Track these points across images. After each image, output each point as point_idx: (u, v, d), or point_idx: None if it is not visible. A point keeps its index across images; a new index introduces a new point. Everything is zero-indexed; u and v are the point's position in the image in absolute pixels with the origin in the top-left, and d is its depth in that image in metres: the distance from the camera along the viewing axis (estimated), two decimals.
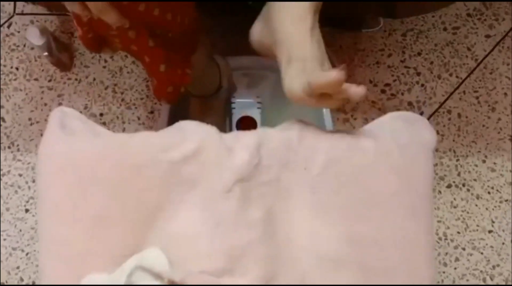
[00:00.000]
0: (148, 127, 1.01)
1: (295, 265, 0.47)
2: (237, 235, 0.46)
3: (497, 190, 1.00)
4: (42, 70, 1.03)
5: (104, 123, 1.00)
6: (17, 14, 1.05)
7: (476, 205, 0.99)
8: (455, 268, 0.97)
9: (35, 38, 0.89)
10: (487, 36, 1.06)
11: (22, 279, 0.95)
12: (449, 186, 1.00)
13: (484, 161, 1.01)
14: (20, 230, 0.97)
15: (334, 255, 0.47)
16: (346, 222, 0.48)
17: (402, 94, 1.03)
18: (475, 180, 1.00)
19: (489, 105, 1.03)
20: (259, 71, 0.94)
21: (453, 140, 1.02)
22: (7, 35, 1.04)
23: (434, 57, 1.05)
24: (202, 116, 0.86)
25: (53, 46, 0.93)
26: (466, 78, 1.04)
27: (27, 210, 0.98)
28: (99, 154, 0.47)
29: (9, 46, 1.04)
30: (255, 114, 0.92)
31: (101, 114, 1.01)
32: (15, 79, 1.02)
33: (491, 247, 0.98)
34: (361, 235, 0.47)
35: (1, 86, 1.02)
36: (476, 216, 0.99)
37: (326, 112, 0.90)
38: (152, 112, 1.01)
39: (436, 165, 1.00)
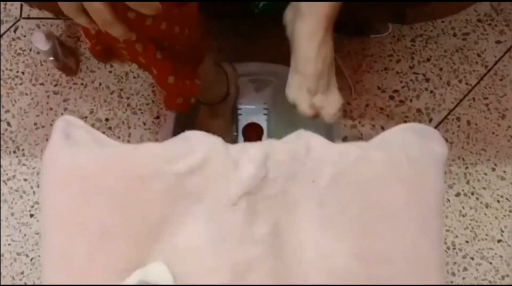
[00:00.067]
0: (154, 133, 1.00)
1: (303, 281, 0.46)
2: (243, 250, 0.46)
3: (507, 199, 0.98)
4: (48, 74, 1.02)
5: (109, 128, 1.00)
6: (24, 18, 1.04)
7: (485, 214, 0.98)
8: (463, 278, 0.95)
9: (41, 43, 0.88)
10: (498, 42, 1.04)
11: (26, 285, 0.95)
12: (457, 194, 0.98)
13: (493, 169, 1.00)
14: (25, 235, 0.96)
15: (343, 272, 0.46)
16: (355, 236, 0.47)
17: (411, 100, 1.02)
18: (484, 188, 0.99)
19: (499, 113, 1.02)
20: (266, 77, 0.93)
21: (462, 148, 1.00)
22: (13, 39, 1.04)
23: (444, 64, 1.03)
24: (209, 123, 0.86)
25: (59, 51, 0.92)
26: (476, 85, 1.03)
27: (31, 215, 0.97)
28: (103, 165, 0.47)
29: (15, 50, 1.03)
30: (262, 120, 0.92)
31: (107, 119, 1.00)
32: (20, 84, 1.02)
33: (500, 256, 0.96)
34: (370, 251, 0.46)
35: (7, 91, 1.02)
36: (485, 225, 0.97)
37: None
38: (158, 117, 1.01)
39: (445, 173, 0.98)
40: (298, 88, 0.63)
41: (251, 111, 0.92)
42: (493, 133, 1.01)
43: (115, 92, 1.02)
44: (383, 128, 1.00)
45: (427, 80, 1.03)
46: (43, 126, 1.00)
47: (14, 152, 0.99)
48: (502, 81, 1.03)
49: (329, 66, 0.63)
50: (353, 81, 1.02)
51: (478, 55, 1.04)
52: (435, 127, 1.01)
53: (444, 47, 1.04)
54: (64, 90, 1.02)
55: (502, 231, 0.97)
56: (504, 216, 0.97)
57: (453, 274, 0.95)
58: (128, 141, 0.99)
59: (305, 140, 0.50)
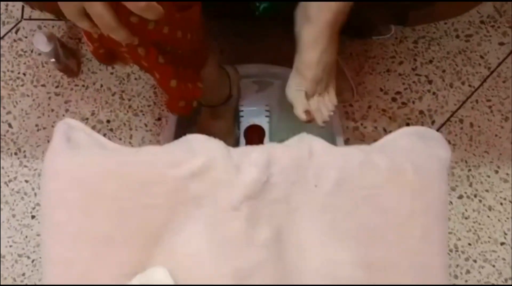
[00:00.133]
0: (155, 135, 1.00)
1: None
2: (244, 256, 0.45)
3: (510, 201, 0.98)
4: (49, 76, 1.02)
5: (111, 130, 1.00)
6: (25, 19, 1.04)
7: (488, 216, 0.97)
8: (466, 281, 0.95)
9: (42, 44, 0.88)
10: (501, 43, 1.04)
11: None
12: (460, 197, 0.98)
13: (496, 172, 0.99)
14: (26, 237, 0.96)
15: (347, 279, 0.45)
16: (359, 243, 0.46)
17: (413, 102, 1.01)
18: (487, 190, 0.98)
19: (502, 115, 1.01)
20: (268, 79, 0.93)
21: (465, 150, 1.00)
22: (14, 41, 1.03)
23: (446, 65, 1.03)
24: (211, 124, 0.85)
25: (60, 52, 0.92)
26: (479, 87, 1.02)
27: (33, 217, 0.97)
28: (104, 170, 0.46)
29: (17, 52, 1.03)
30: (263, 122, 0.91)
31: (108, 121, 1.00)
32: (22, 85, 1.02)
33: (503, 259, 0.95)
34: (375, 259, 0.46)
35: (8, 92, 1.01)
36: (488, 227, 0.97)
37: (335, 120, 0.88)
38: (159, 119, 1.00)
39: (447, 175, 0.98)
40: (296, 89, 0.66)
41: (252, 113, 0.91)
42: (496, 135, 1.00)
43: (117, 93, 1.01)
44: (385, 130, 1.00)
45: (430, 82, 1.02)
46: (44, 128, 1.00)
47: (16, 154, 0.99)
48: (505, 83, 1.02)
49: (329, 71, 0.66)
50: (355, 83, 1.01)
51: (481, 57, 1.03)
52: (438, 129, 1.01)
53: (446, 48, 1.03)
54: (65, 92, 1.01)
55: (505, 234, 0.96)
56: (507, 218, 0.97)
57: (456, 276, 0.95)
58: (130, 143, 0.99)
59: (308, 144, 0.49)
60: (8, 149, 0.99)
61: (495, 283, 0.95)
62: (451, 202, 0.98)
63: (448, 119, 1.01)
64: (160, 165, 0.47)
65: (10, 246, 0.96)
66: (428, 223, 0.47)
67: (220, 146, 0.49)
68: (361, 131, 1.00)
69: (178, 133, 0.86)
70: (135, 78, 1.02)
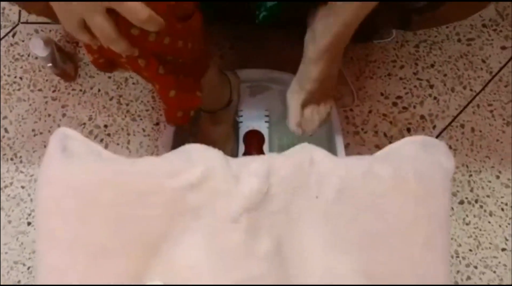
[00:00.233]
0: (153, 140, 0.99)
1: None
2: (244, 268, 0.44)
3: (511, 207, 0.97)
4: (46, 80, 1.01)
5: (108, 135, 0.99)
6: (22, 23, 1.03)
7: (489, 222, 0.96)
8: None
9: (39, 49, 0.87)
10: (503, 47, 1.03)
11: None
12: (461, 202, 0.97)
13: (498, 177, 0.98)
14: (22, 244, 0.95)
15: None
16: (361, 253, 0.45)
17: (414, 107, 1.00)
18: (488, 196, 0.97)
19: (503, 119, 1.00)
20: (268, 83, 0.92)
21: (466, 155, 0.99)
22: (11, 45, 1.02)
23: (448, 70, 1.02)
24: (210, 130, 0.84)
25: (57, 57, 0.91)
26: (480, 91, 1.02)
27: (29, 223, 0.96)
28: (101, 181, 0.45)
29: (13, 56, 1.02)
30: (263, 128, 0.90)
31: (106, 126, 0.99)
32: (18, 90, 1.01)
33: (504, 265, 0.95)
34: (377, 268, 0.45)
35: (5, 97, 1.00)
36: (489, 233, 0.96)
37: (336, 125, 0.87)
38: (157, 124, 0.99)
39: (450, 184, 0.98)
40: (295, 97, 0.70)
41: (252, 118, 0.90)
42: (497, 140, 0.99)
43: (114, 98, 1.00)
44: (386, 135, 0.99)
45: (431, 86, 1.02)
46: (41, 133, 0.99)
47: (12, 159, 0.98)
48: (507, 88, 1.01)
49: (329, 84, 0.69)
50: (356, 87, 1.00)
51: (483, 61, 1.02)
52: (439, 134, 1.00)
53: (448, 53, 1.03)
54: (62, 96, 1.00)
55: (506, 240, 0.95)
56: (508, 224, 0.96)
57: (456, 283, 0.94)
58: (127, 149, 0.98)
59: (309, 154, 0.48)
60: (4, 154, 0.98)
61: None
62: (452, 208, 0.97)
63: (449, 124, 1.00)
64: (157, 175, 0.46)
65: (6, 252, 0.94)
66: (431, 231, 0.47)
67: (219, 155, 0.48)
68: (362, 136, 0.99)
69: (177, 139, 0.85)
70: (133, 83, 1.00)
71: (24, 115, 1.00)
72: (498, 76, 1.02)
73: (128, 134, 0.99)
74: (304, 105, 0.70)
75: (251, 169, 0.47)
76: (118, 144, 0.98)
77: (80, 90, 1.00)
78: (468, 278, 0.94)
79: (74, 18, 0.40)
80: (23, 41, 1.02)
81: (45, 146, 0.97)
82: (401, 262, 0.46)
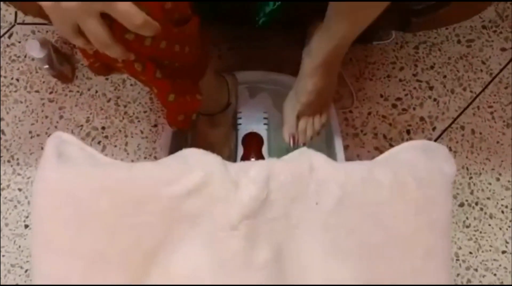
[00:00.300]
0: (151, 142, 0.98)
1: None
2: (243, 277, 0.43)
3: (511, 209, 0.96)
4: (43, 82, 1.00)
5: (106, 137, 0.98)
6: (18, 23, 1.02)
7: (489, 225, 0.96)
8: None
9: (35, 51, 0.86)
10: (503, 49, 1.02)
11: None
12: (461, 205, 0.96)
13: (498, 179, 0.98)
14: (19, 246, 0.94)
15: None
16: (362, 262, 0.45)
17: (414, 109, 1.00)
18: (488, 198, 0.97)
19: (504, 121, 1.00)
20: (267, 85, 0.91)
21: (466, 157, 0.98)
22: (7, 46, 1.01)
23: (448, 71, 1.01)
24: (209, 132, 0.84)
25: (54, 58, 0.90)
26: (480, 93, 1.01)
27: (26, 226, 0.95)
28: (97, 188, 0.45)
29: (10, 57, 1.01)
30: (262, 130, 0.89)
31: (103, 128, 0.98)
32: (15, 91, 1.00)
33: (505, 268, 0.94)
34: (378, 278, 0.44)
35: (1, 98, 0.99)
36: (489, 236, 0.95)
37: (335, 127, 0.87)
38: (155, 125, 0.98)
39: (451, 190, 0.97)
40: (290, 108, 0.73)
41: (251, 120, 0.90)
42: (497, 142, 0.99)
43: (112, 100, 0.99)
44: (385, 137, 0.98)
45: (431, 88, 1.01)
46: (38, 135, 0.98)
47: (9, 161, 0.97)
48: (507, 89, 1.01)
49: (324, 99, 0.71)
50: (355, 89, 1.00)
51: (483, 63, 1.02)
52: (439, 136, 0.99)
53: (448, 54, 1.02)
54: (59, 98, 0.99)
55: (507, 242, 0.95)
56: (509, 226, 0.96)
57: None
58: (125, 150, 0.97)
59: (309, 160, 0.48)
60: (1, 156, 0.97)
61: None
62: (452, 210, 0.96)
63: (449, 126, 1.00)
64: (154, 183, 0.45)
65: (3, 255, 0.94)
66: (433, 240, 0.46)
67: (217, 161, 0.48)
68: (361, 138, 0.98)
69: (175, 141, 0.85)
70: (131, 84, 1.00)
71: (21, 117, 0.99)
72: (498, 78, 1.01)
73: (126, 136, 0.98)
74: (299, 116, 0.72)
75: (250, 175, 0.46)
76: (115, 146, 0.97)
77: (78, 91, 1.00)
78: (468, 281, 0.94)
79: (67, 23, 0.40)
80: (19, 42, 1.01)
81: (42, 148, 0.97)
82: (401, 272, 0.45)
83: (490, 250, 0.95)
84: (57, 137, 0.50)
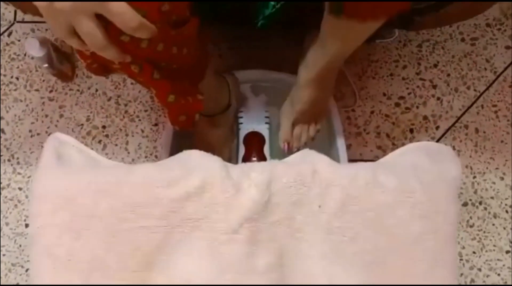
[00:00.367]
0: (152, 141, 0.97)
1: None
2: (245, 282, 0.43)
3: None
4: (43, 80, 0.99)
5: (106, 136, 0.97)
6: (18, 22, 1.01)
7: (493, 224, 0.95)
8: None
9: (34, 49, 0.85)
10: (507, 47, 1.01)
11: None
12: (465, 204, 0.96)
13: (502, 178, 0.97)
14: (20, 246, 0.94)
15: None
16: (365, 269, 0.44)
17: (417, 107, 0.99)
18: (492, 198, 0.96)
19: (508, 120, 0.99)
20: (268, 84, 0.91)
21: (470, 157, 0.97)
22: (7, 44, 1.01)
23: (451, 70, 1.00)
24: (209, 133, 0.83)
25: (53, 57, 0.89)
26: (484, 91, 1.00)
27: (27, 225, 0.94)
28: (96, 192, 0.44)
29: (9, 55, 1.00)
30: (263, 129, 0.88)
31: (104, 127, 0.97)
32: (15, 90, 0.99)
33: (509, 268, 0.93)
34: (382, 282, 0.43)
35: (1, 97, 0.99)
36: (493, 235, 0.95)
37: (337, 126, 0.86)
38: (156, 124, 0.98)
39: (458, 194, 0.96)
40: (286, 115, 0.75)
41: (252, 119, 0.89)
42: (502, 141, 0.98)
43: (112, 98, 0.99)
44: (388, 136, 0.98)
45: (434, 86, 1.00)
46: (38, 134, 0.97)
47: (9, 160, 0.97)
48: None
49: (320, 107, 0.73)
50: (358, 87, 0.99)
51: (487, 61, 1.01)
52: (442, 135, 0.98)
53: (451, 52, 1.01)
54: (59, 97, 0.99)
55: (511, 242, 0.94)
56: None
57: None
58: (126, 150, 0.97)
59: (311, 162, 0.47)
60: (1, 155, 0.97)
61: None
62: None
63: (453, 125, 0.99)
64: (154, 186, 0.44)
65: (4, 255, 0.93)
66: (438, 246, 0.45)
67: (218, 163, 0.47)
68: (364, 137, 0.97)
69: (176, 140, 0.84)
70: (131, 83, 0.99)
71: (21, 116, 0.98)
72: (502, 76, 1.00)
73: (127, 135, 0.97)
74: (294, 123, 0.74)
75: (251, 177, 0.45)
76: (116, 145, 0.97)
77: (78, 90, 0.99)
78: (472, 281, 0.93)
79: (61, 23, 0.39)
80: (19, 40, 1.01)
81: (42, 147, 0.96)
82: (405, 278, 0.45)
83: (494, 250, 0.94)
84: (56, 139, 0.49)
